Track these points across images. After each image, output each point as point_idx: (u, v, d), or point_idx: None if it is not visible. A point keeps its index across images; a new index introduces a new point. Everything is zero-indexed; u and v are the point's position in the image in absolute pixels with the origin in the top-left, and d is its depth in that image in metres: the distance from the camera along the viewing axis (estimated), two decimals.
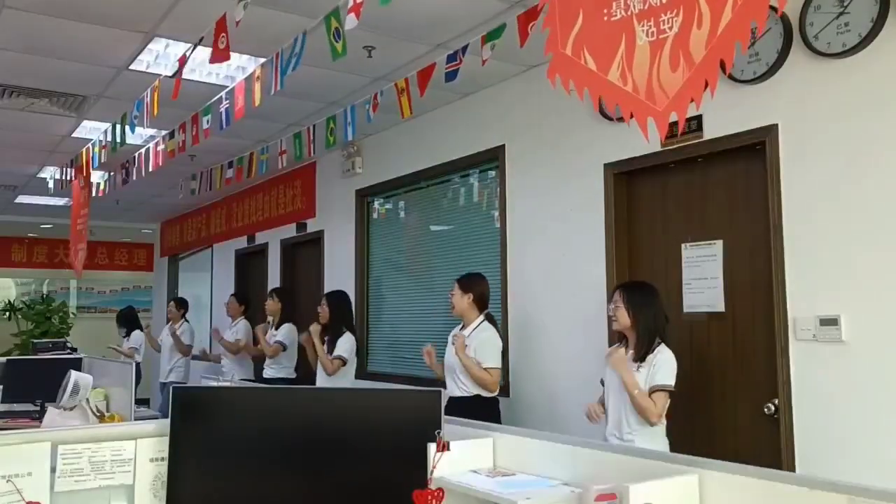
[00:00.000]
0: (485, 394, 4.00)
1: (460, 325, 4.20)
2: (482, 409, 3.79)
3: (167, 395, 6.74)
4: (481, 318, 4.11)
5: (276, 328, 5.97)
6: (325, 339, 5.02)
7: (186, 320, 7.64)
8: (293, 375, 5.91)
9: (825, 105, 3.11)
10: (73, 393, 3.15)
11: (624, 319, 3.23)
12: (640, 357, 3.15)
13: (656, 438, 3.10)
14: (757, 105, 3.34)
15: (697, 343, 3.67)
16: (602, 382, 3.39)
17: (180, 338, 7.42)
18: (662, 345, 3.16)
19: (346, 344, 4.94)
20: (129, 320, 8.05)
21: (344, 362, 4.90)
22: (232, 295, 7.14)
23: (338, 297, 5.23)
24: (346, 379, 4.99)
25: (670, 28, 1.70)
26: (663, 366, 3.11)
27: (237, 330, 6.70)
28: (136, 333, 7.91)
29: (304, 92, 5.04)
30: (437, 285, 5.48)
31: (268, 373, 5.93)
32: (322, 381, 4.94)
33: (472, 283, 4.16)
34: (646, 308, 3.21)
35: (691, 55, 1.66)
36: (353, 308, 6.20)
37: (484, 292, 4.17)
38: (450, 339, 4.24)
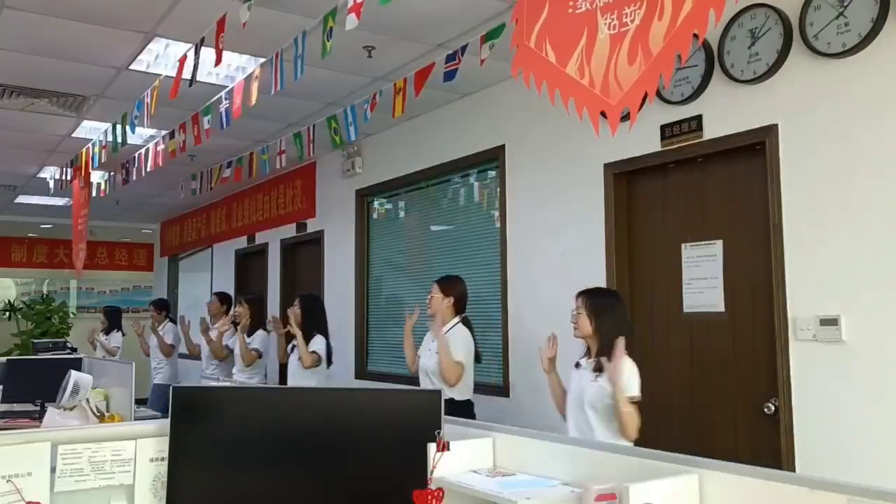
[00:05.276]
0: (458, 397, 3.91)
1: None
2: (456, 413, 3.71)
3: (154, 396, 6.74)
4: (457, 319, 4.08)
5: (249, 335, 5.74)
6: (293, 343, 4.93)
7: (171, 320, 7.50)
8: (265, 382, 5.83)
9: (825, 105, 3.10)
10: (73, 393, 3.15)
11: (585, 327, 3.03)
12: (601, 367, 2.91)
13: None
14: (757, 105, 3.34)
15: (697, 343, 3.67)
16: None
17: (163, 337, 7.23)
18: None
19: (318, 344, 4.84)
20: (111, 318, 8.01)
21: (319, 358, 4.83)
22: (214, 294, 6.90)
23: (310, 301, 5.09)
24: (317, 381, 4.85)
25: (632, 21, 1.70)
26: (629, 378, 2.85)
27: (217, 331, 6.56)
28: (116, 334, 7.85)
29: (304, 92, 5.04)
30: None
31: (239, 378, 5.75)
32: (294, 381, 4.87)
33: (453, 286, 4.13)
34: (608, 315, 3.01)
35: (650, 48, 1.65)
36: (353, 308, 6.21)
37: (463, 295, 4.15)
38: (425, 340, 4.20)
